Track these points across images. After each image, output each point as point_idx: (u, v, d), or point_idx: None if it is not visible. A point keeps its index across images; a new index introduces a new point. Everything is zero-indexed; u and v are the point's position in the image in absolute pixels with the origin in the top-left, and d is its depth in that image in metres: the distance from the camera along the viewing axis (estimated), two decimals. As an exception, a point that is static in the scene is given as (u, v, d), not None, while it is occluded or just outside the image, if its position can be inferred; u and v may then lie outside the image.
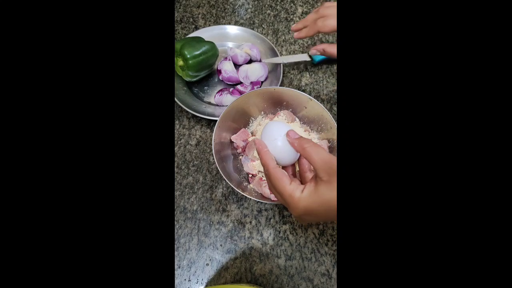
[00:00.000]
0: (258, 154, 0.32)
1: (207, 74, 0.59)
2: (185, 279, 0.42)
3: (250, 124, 0.51)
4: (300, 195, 0.27)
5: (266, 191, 0.44)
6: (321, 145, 0.34)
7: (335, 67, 0.63)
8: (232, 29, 0.65)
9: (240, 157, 0.49)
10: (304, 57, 0.60)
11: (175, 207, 0.47)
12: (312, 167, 0.29)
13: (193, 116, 0.55)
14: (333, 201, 0.25)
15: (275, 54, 0.61)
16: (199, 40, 0.56)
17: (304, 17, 0.70)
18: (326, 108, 0.46)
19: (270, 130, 0.33)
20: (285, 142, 0.31)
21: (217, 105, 0.56)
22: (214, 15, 0.70)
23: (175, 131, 0.54)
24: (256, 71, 0.58)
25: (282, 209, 0.47)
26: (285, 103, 0.50)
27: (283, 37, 0.67)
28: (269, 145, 0.32)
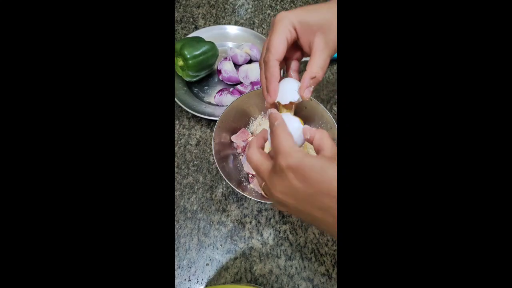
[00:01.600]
0: (269, 118, 0.29)
1: (207, 74, 0.59)
2: (185, 279, 0.42)
3: (250, 124, 0.51)
4: (298, 151, 0.25)
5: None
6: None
7: (335, 67, 0.63)
8: (232, 29, 0.65)
9: (240, 157, 0.49)
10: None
11: (175, 207, 0.47)
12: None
13: (193, 116, 0.55)
14: (332, 176, 0.22)
15: (275, 54, 0.61)
16: (199, 40, 0.56)
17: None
18: (326, 108, 0.46)
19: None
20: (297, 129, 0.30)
21: (217, 105, 0.56)
22: (214, 15, 0.70)
23: (175, 131, 0.54)
24: (256, 71, 0.58)
25: (282, 209, 0.47)
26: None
27: (283, 37, 0.67)
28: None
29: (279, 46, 0.30)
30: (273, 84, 0.31)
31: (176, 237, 0.45)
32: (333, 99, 0.58)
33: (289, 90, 0.31)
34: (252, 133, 0.51)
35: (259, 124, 0.51)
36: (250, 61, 0.62)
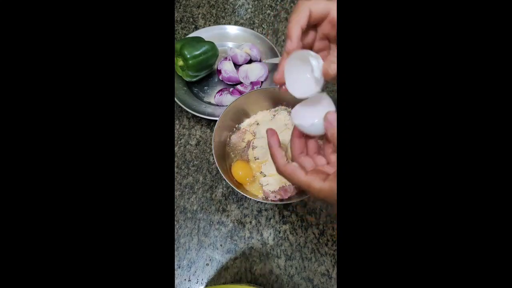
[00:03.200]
0: (269, 147, 0.30)
1: (207, 74, 0.59)
2: (185, 279, 0.42)
3: (243, 121, 0.51)
4: (321, 186, 0.26)
5: (265, 190, 0.44)
6: None
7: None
8: (232, 29, 0.65)
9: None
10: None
11: (175, 207, 0.47)
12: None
13: (193, 116, 0.55)
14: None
15: (275, 54, 0.61)
16: (199, 40, 0.56)
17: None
18: (326, 108, 0.46)
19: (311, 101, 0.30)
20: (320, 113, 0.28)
21: (217, 105, 0.56)
22: (214, 15, 0.70)
23: (175, 131, 0.54)
24: (256, 71, 0.58)
25: (282, 209, 0.47)
26: (285, 103, 0.50)
27: (283, 37, 0.67)
28: (304, 112, 0.29)
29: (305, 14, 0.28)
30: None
31: (176, 237, 0.45)
32: (333, 99, 0.58)
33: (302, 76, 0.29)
34: (243, 129, 0.50)
35: (251, 123, 0.51)
36: (250, 61, 0.62)
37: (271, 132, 0.31)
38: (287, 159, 0.30)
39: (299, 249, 0.44)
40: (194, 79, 0.57)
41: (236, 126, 0.51)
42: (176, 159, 0.51)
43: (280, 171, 0.30)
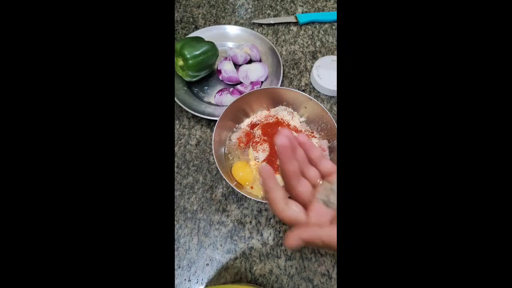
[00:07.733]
0: (266, 190, 0.27)
1: (207, 74, 0.59)
2: (185, 279, 0.42)
3: (243, 121, 0.51)
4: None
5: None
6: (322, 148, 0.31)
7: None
8: (232, 29, 0.65)
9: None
10: (291, 19, 0.69)
11: (175, 207, 0.47)
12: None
13: (193, 116, 0.55)
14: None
15: (275, 54, 0.61)
16: (199, 40, 0.56)
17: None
18: (326, 108, 0.46)
19: None
20: None
21: (217, 105, 0.56)
22: (214, 15, 0.70)
23: (175, 131, 0.54)
24: (256, 71, 0.58)
25: (282, 209, 0.47)
26: (285, 103, 0.50)
27: (283, 37, 0.67)
28: None
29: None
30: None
31: (176, 237, 0.45)
32: (333, 99, 0.58)
33: None
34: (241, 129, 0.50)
35: (249, 123, 0.51)
36: (250, 61, 0.62)
37: (267, 172, 0.25)
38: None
39: (299, 249, 0.44)
40: (194, 79, 0.57)
41: (236, 126, 0.51)
42: (176, 159, 0.51)
43: (280, 217, 0.27)
